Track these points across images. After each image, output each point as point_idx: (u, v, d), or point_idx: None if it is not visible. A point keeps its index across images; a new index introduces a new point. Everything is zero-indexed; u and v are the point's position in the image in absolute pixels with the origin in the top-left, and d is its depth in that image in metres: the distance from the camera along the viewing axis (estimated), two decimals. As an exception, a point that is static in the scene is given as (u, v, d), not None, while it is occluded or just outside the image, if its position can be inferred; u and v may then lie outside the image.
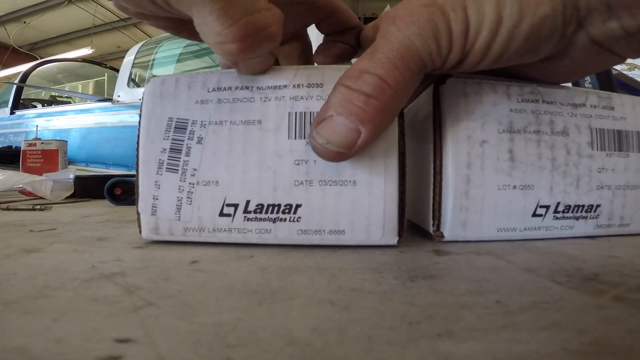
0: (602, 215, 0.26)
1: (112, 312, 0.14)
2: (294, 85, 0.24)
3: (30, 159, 0.85)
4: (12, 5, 4.84)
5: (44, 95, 3.35)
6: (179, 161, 0.24)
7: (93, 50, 5.22)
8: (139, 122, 0.25)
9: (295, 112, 0.24)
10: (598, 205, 0.26)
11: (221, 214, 0.24)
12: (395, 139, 0.23)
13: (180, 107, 0.25)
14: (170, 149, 0.24)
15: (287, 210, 0.23)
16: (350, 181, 0.23)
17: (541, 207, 0.25)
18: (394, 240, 0.23)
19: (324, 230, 0.23)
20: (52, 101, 3.16)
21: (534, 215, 0.25)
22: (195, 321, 0.13)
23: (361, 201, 0.23)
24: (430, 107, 0.26)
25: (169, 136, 0.24)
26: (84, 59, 4.07)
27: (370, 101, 0.20)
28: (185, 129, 0.24)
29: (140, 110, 0.25)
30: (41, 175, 0.65)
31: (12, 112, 2.64)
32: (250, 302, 0.15)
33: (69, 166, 0.88)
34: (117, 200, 0.55)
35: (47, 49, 6.01)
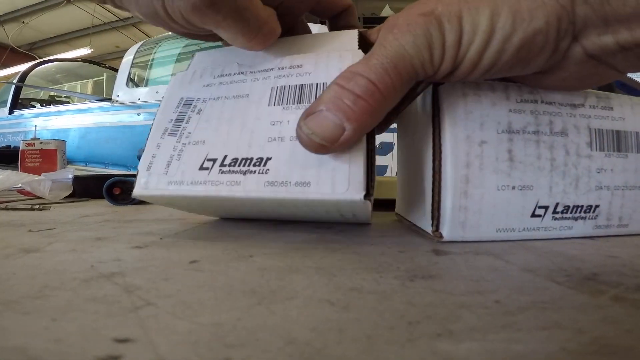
0: (600, 216, 0.26)
1: (111, 312, 0.14)
2: (279, 68, 0.28)
3: (29, 159, 0.85)
4: (10, 5, 4.84)
5: (43, 95, 3.35)
6: (179, 128, 0.28)
7: (92, 50, 5.22)
8: (160, 104, 0.30)
9: (277, 87, 0.27)
10: (597, 206, 0.26)
11: (201, 168, 0.26)
12: None
13: (191, 90, 0.30)
14: (176, 119, 0.29)
15: (257, 163, 0.25)
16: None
17: (540, 207, 0.25)
18: (359, 194, 0.23)
19: (289, 182, 0.24)
20: (50, 101, 3.16)
21: (533, 215, 0.25)
22: (195, 321, 0.13)
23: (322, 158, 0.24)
24: (430, 107, 0.26)
25: (177, 110, 0.29)
26: (82, 59, 4.06)
27: (359, 102, 0.21)
28: (191, 104, 0.29)
29: (164, 97, 0.31)
30: (40, 175, 0.64)
31: (10, 112, 2.64)
32: (250, 301, 0.15)
33: (67, 166, 0.88)
34: (116, 200, 0.55)
35: (45, 49, 6.00)
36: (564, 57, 0.22)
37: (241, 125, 0.26)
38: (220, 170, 0.25)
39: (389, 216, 0.39)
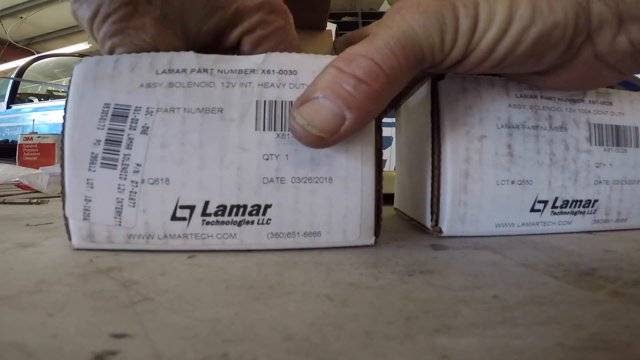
0: (599, 210, 0.26)
1: (109, 307, 0.14)
2: (262, 71, 0.22)
3: (27, 153, 0.85)
4: (8, 0, 4.81)
5: (41, 89, 3.34)
6: (118, 155, 0.21)
7: (90, 45, 5.20)
8: (65, 110, 0.21)
9: (265, 101, 0.21)
10: (596, 200, 0.26)
11: (174, 218, 0.21)
12: (372, 132, 0.22)
13: (119, 91, 0.21)
14: (107, 140, 0.21)
15: (254, 212, 0.21)
16: (325, 178, 0.21)
17: (539, 202, 0.25)
18: (370, 240, 0.22)
19: (298, 233, 0.21)
20: (48, 96, 3.15)
21: (532, 210, 0.25)
22: (192, 316, 0.13)
23: (338, 199, 0.21)
24: (429, 102, 0.26)
25: (104, 125, 0.21)
26: (80, 54, 4.05)
27: (361, 86, 0.19)
28: (126, 116, 0.21)
29: (67, 96, 0.22)
30: (38, 168, 0.64)
31: (8, 107, 2.63)
32: (247, 296, 0.15)
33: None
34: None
35: (43, 44, 5.97)
36: (574, 57, 0.21)
37: (219, 157, 0.21)
38: (204, 221, 0.21)
39: (387, 211, 0.39)
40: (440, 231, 0.25)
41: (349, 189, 0.22)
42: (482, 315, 0.13)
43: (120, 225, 0.21)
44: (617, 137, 0.27)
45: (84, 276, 0.17)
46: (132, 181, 0.21)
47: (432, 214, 0.25)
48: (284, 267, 0.19)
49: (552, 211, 0.26)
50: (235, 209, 0.21)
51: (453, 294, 0.15)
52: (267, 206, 0.21)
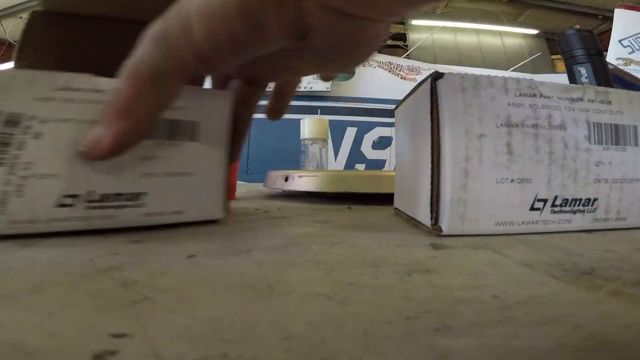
0: (599, 209, 0.26)
1: (108, 307, 0.14)
2: None
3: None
4: (8, 0, 4.81)
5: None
6: (6, 155, 0.23)
7: (89, 44, 5.19)
8: None
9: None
10: (595, 199, 0.26)
11: (60, 205, 0.24)
12: (223, 140, 0.29)
13: (15, 101, 0.23)
14: None
15: (132, 198, 0.26)
16: (189, 172, 0.28)
17: (539, 200, 0.25)
18: (220, 214, 0.30)
19: (166, 212, 0.27)
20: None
21: (532, 209, 0.25)
22: (192, 316, 0.13)
23: (197, 187, 0.28)
24: (428, 102, 0.26)
25: None
26: (80, 53, 4.05)
27: (109, 108, 0.23)
28: (19, 123, 0.23)
29: None
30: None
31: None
32: (247, 296, 0.15)
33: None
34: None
35: (42, 43, 5.97)
36: (303, 14, 0.21)
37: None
38: (86, 206, 0.25)
39: (387, 210, 0.39)
40: (440, 230, 0.25)
41: (205, 180, 0.29)
42: (481, 315, 0.13)
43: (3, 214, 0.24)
44: (616, 135, 0.27)
45: (84, 276, 0.17)
46: (20, 176, 0.23)
47: (431, 212, 0.25)
48: (283, 266, 0.19)
49: (552, 210, 0.26)
50: (112, 197, 0.26)
51: (453, 294, 0.15)
52: (143, 194, 0.27)
